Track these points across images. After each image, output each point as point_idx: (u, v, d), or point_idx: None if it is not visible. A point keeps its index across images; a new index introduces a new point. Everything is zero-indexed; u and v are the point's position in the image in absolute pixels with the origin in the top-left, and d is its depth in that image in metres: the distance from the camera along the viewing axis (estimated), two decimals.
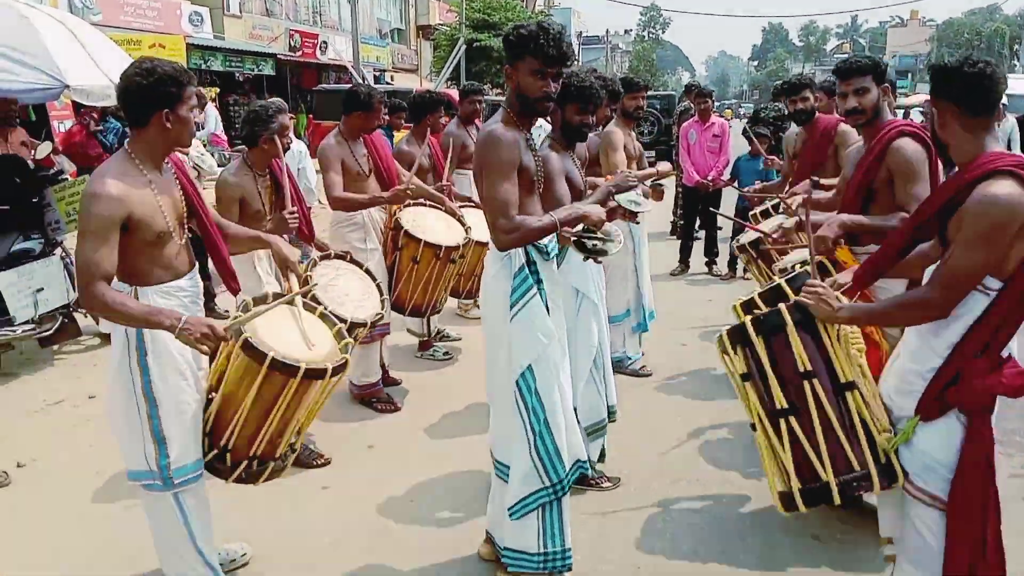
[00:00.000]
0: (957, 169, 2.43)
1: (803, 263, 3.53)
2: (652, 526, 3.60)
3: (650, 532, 3.55)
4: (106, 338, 6.07)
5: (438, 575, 3.25)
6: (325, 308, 3.16)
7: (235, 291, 3.16)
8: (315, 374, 2.67)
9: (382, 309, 4.18)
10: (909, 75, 61.35)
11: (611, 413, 3.94)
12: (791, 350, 2.53)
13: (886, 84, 3.55)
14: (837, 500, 2.49)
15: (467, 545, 3.40)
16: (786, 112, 6.73)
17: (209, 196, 8.10)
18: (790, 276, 3.31)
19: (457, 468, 4.13)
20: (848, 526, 3.50)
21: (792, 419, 2.54)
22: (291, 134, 4.15)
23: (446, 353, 5.97)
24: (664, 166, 5.49)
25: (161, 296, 2.68)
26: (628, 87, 5.61)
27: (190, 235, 2.86)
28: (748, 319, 2.63)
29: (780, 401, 2.55)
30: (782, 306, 2.59)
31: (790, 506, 2.60)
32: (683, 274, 8.86)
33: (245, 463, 2.79)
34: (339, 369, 2.76)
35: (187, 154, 7.04)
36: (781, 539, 3.48)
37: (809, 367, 2.51)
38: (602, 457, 3.99)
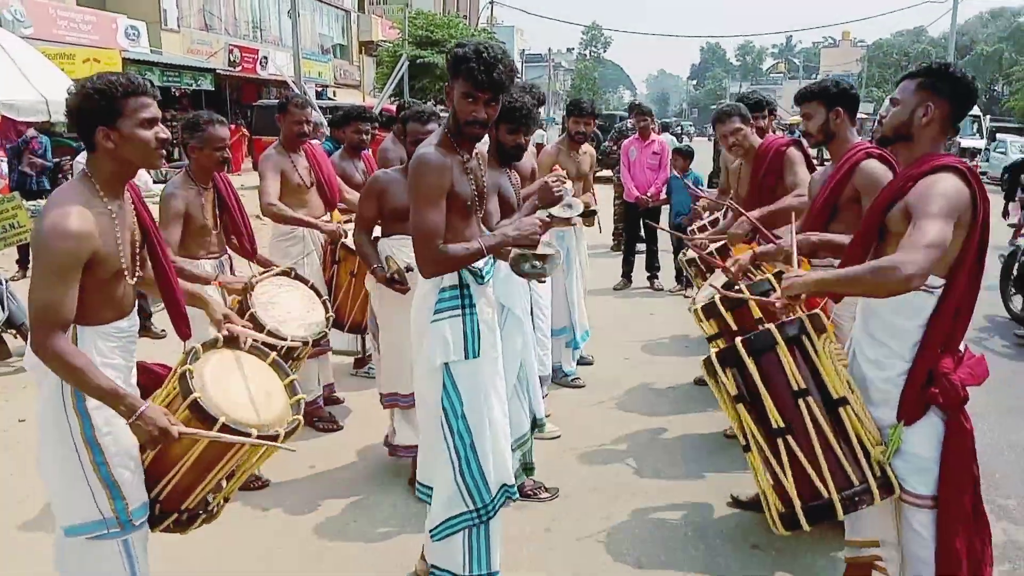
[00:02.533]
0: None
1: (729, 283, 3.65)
2: (595, 539, 3.62)
3: (593, 544, 3.57)
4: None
5: None
6: (275, 353, 2.95)
7: (185, 337, 2.78)
8: (266, 439, 2.50)
9: (327, 326, 4.13)
10: None
11: (538, 426, 3.82)
12: (783, 369, 2.56)
13: (837, 108, 3.62)
14: (841, 516, 2.53)
15: (406, 563, 3.37)
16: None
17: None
18: (751, 283, 3.41)
19: (399, 486, 4.10)
20: (787, 535, 3.55)
21: (790, 438, 2.55)
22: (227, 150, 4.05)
23: None
24: (585, 199, 5.56)
25: (101, 338, 2.41)
26: (572, 111, 5.72)
27: (140, 275, 2.53)
28: (739, 340, 2.64)
29: (776, 420, 2.56)
30: (771, 326, 2.61)
31: (792, 527, 2.60)
32: (625, 288, 8.96)
33: (175, 515, 2.59)
34: (291, 433, 2.58)
35: None
36: (722, 548, 3.53)
37: (803, 385, 2.55)
38: (530, 471, 3.85)
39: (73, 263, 2.22)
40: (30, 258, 6.59)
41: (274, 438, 2.50)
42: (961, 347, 2.56)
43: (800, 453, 2.53)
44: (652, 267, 9.05)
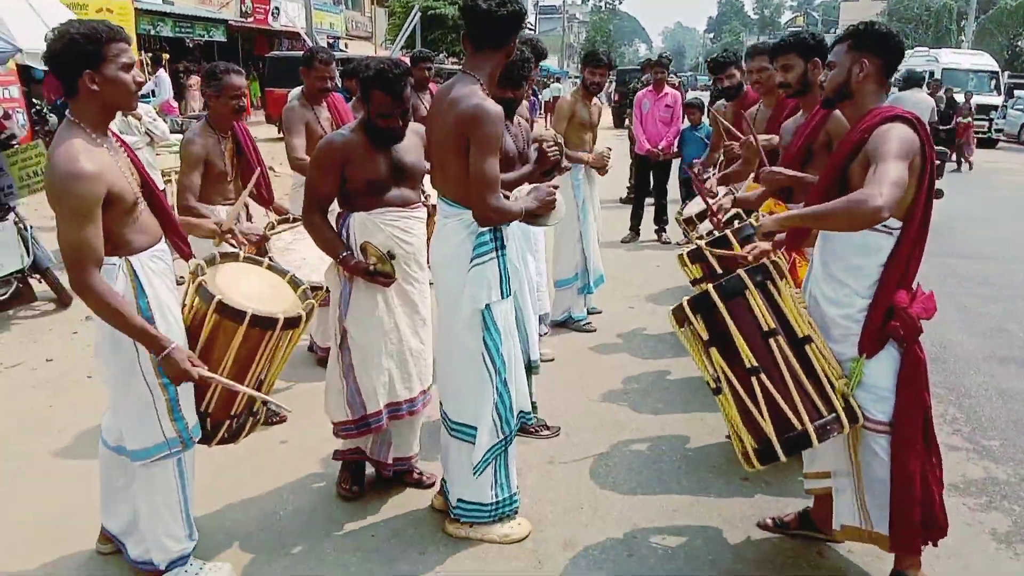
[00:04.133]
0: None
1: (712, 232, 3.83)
2: (595, 470, 3.84)
3: (593, 475, 3.79)
4: (59, 302, 6.14)
5: (394, 517, 3.44)
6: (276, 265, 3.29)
7: (187, 256, 3.00)
8: (292, 323, 2.80)
9: None
10: None
11: (533, 368, 3.90)
12: (753, 311, 2.70)
13: (815, 59, 3.77)
14: (816, 444, 2.66)
15: (421, 493, 3.62)
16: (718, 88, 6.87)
17: (166, 161, 8.08)
18: (736, 228, 3.61)
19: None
20: (775, 469, 3.75)
21: (763, 375, 2.67)
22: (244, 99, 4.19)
23: None
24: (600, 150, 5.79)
25: (151, 262, 2.64)
26: (587, 61, 5.85)
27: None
28: (711, 286, 2.76)
29: (750, 360, 2.68)
30: (741, 271, 2.75)
31: (768, 459, 2.72)
32: (633, 241, 9.09)
33: (227, 423, 2.87)
34: (310, 314, 2.92)
35: (140, 119, 7.04)
36: (713, 480, 3.74)
37: (772, 325, 2.69)
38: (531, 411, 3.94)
39: (94, 201, 2.40)
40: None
41: (297, 320, 2.82)
42: (912, 285, 2.74)
43: (773, 389, 2.65)
44: (660, 220, 9.17)
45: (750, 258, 2.94)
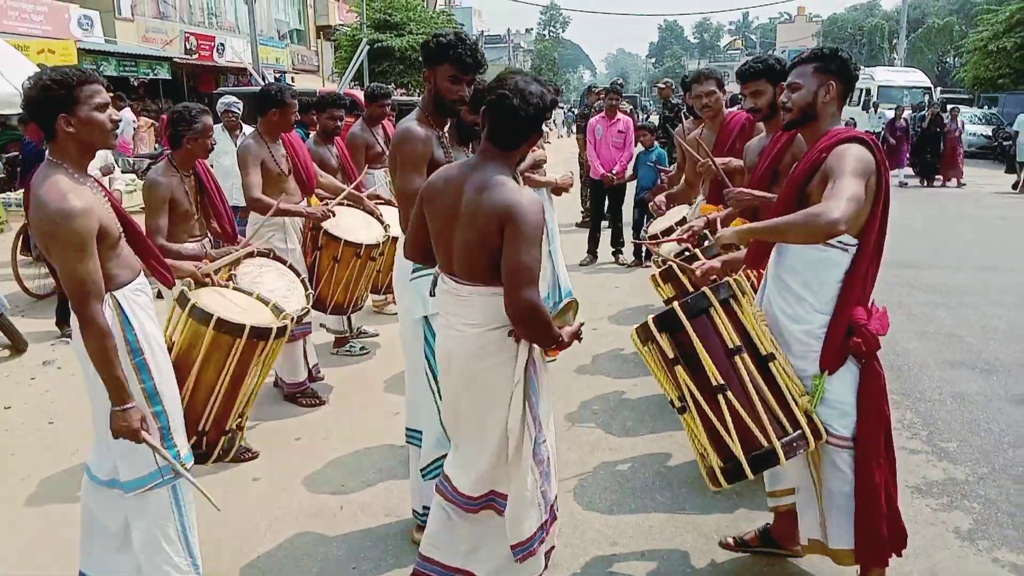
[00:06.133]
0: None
1: (684, 251, 3.93)
2: (570, 490, 3.88)
3: (568, 495, 3.83)
4: (14, 348, 6.01)
5: (372, 543, 3.44)
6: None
7: (171, 284, 3.08)
8: (281, 332, 3.00)
9: (307, 304, 4.31)
10: None
11: None
12: (718, 329, 2.73)
13: (782, 83, 3.88)
14: (783, 462, 2.68)
15: (395, 513, 3.63)
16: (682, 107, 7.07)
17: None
18: (704, 247, 3.70)
19: (383, 450, 4.33)
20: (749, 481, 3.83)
21: (729, 394, 2.68)
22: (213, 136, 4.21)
23: (362, 348, 6.11)
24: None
25: (135, 294, 2.70)
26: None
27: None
28: (676, 304, 2.79)
29: (716, 378, 2.69)
30: (706, 289, 2.78)
31: (735, 478, 2.73)
32: (591, 264, 9.22)
33: (222, 439, 2.97)
34: (282, 330, 3.04)
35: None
36: (687, 494, 3.82)
37: (737, 343, 2.71)
38: None
39: (89, 237, 2.47)
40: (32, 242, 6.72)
41: (283, 329, 3.02)
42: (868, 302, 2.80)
43: (740, 407, 2.67)
44: (617, 243, 9.32)
45: (698, 274, 3.02)
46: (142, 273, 2.81)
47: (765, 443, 2.66)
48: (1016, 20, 25.98)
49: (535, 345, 2.65)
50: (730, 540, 3.37)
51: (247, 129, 7.39)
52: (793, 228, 2.61)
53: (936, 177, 18.13)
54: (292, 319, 3.05)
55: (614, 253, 9.31)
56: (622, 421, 4.71)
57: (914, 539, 3.38)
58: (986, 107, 26.95)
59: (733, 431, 2.68)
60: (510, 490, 2.68)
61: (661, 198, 5.29)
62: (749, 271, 3.30)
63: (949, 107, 19.61)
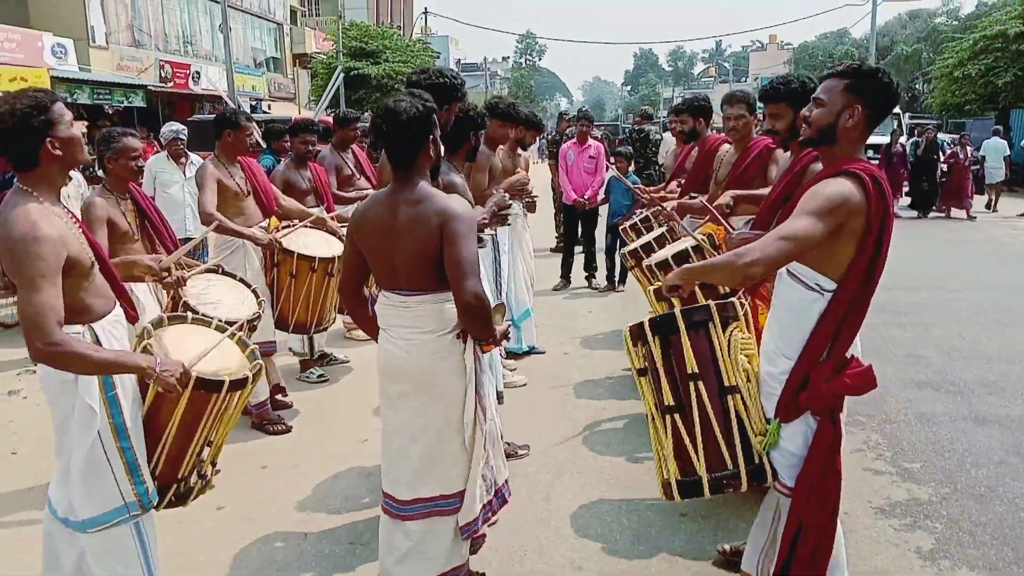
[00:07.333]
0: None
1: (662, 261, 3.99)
2: (537, 514, 3.87)
3: (535, 519, 3.82)
4: None
5: (337, 573, 3.40)
6: (214, 319, 3.25)
7: (134, 320, 3.03)
8: (238, 385, 2.77)
9: (259, 310, 4.26)
10: None
11: (499, 397, 4.26)
12: (680, 352, 2.69)
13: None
14: (707, 494, 2.69)
15: (359, 541, 3.59)
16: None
17: None
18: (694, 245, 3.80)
19: (350, 478, 4.30)
20: (712, 503, 3.85)
21: (677, 416, 2.69)
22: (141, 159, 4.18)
23: (320, 376, 6.02)
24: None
25: (112, 327, 2.66)
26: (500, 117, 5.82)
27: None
28: (646, 321, 2.78)
29: (668, 398, 2.71)
30: (676, 311, 2.76)
31: (670, 495, 2.77)
32: (565, 288, 9.26)
33: (174, 487, 2.82)
34: (257, 375, 2.89)
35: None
36: (653, 518, 3.81)
37: (696, 369, 2.66)
38: None
39: (56, 264, 2.39)
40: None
41: (243, 381, 2.79)
42: (850, 354, 2.59)
43: (683, 431, 2.67)
44: (590, 267, 9.37)
45: (664, 291, 2.92)
46: (117, 304, 2.77)
47: (697, 472, 2.68)
48: (979, 48, 26.55)
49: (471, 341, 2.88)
50: (727, 547, 3.37)
51: (194, 158, 7.41)
52: (716, 269, 2.61)
53: (933, 207, 16.47)
54: (251, 375, 2.85)
55: (587, 278, 9.35)
56: (591, 444, 4.71)
57: (875, 560, 3.44)
58: (954, 133, 27.47)
59: (671, 453, 2.72)
60: (468, 477, 2.92)
61: (673, 204, 5.19)
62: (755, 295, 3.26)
63: (960, 133, 18.11)
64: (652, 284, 4.48)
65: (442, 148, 3.86)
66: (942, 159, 16.71)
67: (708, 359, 2.69)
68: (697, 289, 3.60)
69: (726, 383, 2.68)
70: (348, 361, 6.42)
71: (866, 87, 2.50)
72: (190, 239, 7.19)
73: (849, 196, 2.42)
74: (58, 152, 2.47)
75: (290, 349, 6.11)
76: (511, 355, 6.34)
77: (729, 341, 2.70)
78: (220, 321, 3.22)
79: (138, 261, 3.32)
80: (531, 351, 6.55)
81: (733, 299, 2.88)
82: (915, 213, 16.41)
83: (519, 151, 6.36)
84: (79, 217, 2.81)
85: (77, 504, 2.67)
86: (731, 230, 3.74)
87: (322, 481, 4.28)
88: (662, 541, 3.61)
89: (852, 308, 2.51)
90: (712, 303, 2.80)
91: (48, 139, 2.45)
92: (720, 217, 3.91)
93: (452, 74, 3.73)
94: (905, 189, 16.78)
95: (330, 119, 12.48)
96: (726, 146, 5.08)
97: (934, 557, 3.46)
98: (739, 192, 4.20)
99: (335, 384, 5.97)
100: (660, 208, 4.83)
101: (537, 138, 7.29)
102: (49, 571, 2.85)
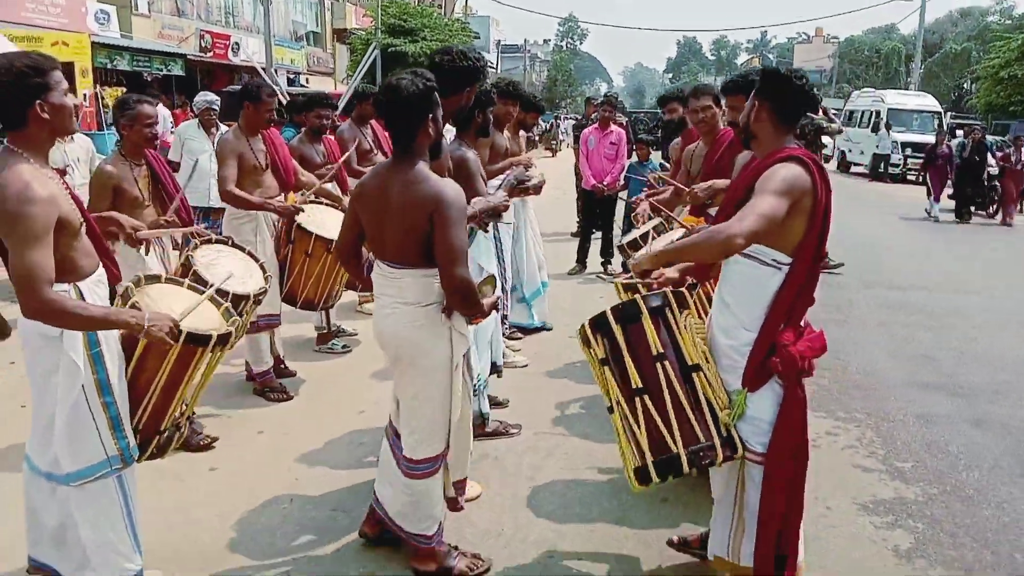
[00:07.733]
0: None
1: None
2: (519, 494, 3.92)
3: (516, 499, 3.87)
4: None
5: (316, 537, 3.47)
6: (209, 286, 3.34)
7: (116, 279, 3.05)
8: (223, 339, 2.89)
9: (266, 285, 4.32)
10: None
11: (497, 371, 4.70)
12: (646, 336, 2.81)
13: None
14: (686, 469, 2.73)
15: (342, 507, 3.66)
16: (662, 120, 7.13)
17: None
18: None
19: (343, 447, 4.38)
20: (694, 489, 3.86)
21: (646, 397, 2.77)
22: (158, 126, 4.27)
23: (344, 347, 6.17)
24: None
25: (96, 286, 2.74)
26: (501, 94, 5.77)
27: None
28: (609, 309, 2.89)
29: (636, 381, 2.78)
30: (638, 297, 2.89)
31: (644, 480, 2.81)
32: (580, 273, 9.27)
33: (156, 439, 2.92)
34: (239, 331, 3.04)
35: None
36: (634, 502, 3.84)
37: (661, 350, 2.78)
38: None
39: (47, 224, 2.45)
40: None
41: (227, 337, 2.92)
42: (802, 323, 2.78)
43: (654, 411, 2.75)
44: (607, 253, 9.35)
45: (655, 285, 3.07)
46: (101, 265, 2.84)
47: (672, 448, 2.72)
48: None
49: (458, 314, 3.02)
50: (674, 539, 3.42)
51: (224, 128, 7.51)
52: (696, 246, 2.73)
53: (978, 212, 16.12)
54: (233, 331, 2.99)
55: (603, 263, 9.34)
56: (582, 428, 4.74)
57: (852, 554, 3.45)
58: (998, 135, 26.89)
59: (643, 434, 2.76)
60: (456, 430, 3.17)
61: (645, 204, 5.27)
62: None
63: (1016, 136, 17.39)
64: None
65: (443, 127, 3.91)
66: (991, 161, 16.13)
67: (669, 342, 2.81)
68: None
69: (688, 362, 2.80)
70: (356, 334, 6.51)
71: (767, 88, 2.80)
72: (211, 208, 7.36)
73: (800, 177, 2.66)
74: (46, 116, 2.52)
75: (316, 326, 6.26)
76: (520, 330, 6.41)
77: (686, 324, 2.86)
78: (191, 282, 3.36)
79: (115, 218, 3.43)
80: (542, 327, 6.62)
81: (683, 289, 3.03)
82: (954, 217, 15.80)
83: (521, 132, 6.46)
84: (74, 182, 2.89)
85: (62, 458, 2.75)
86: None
87: (313, 449, 4.36)
88: (639, 527, 3.64)
89: (807, 280, 2.74)
90: (668, 290, 2.94)
91: (39, 102, 2.50)
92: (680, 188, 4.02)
93: (475, 55, 3.69)
94: (948, 192, 16.20)
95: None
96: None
97: (911, 556, 3.45)
98: (718, 182, 4.22)
99: (341, 356, 6.05)
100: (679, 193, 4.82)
101: (557, 121, 7.33)
102: (32, 531, 2.94)
